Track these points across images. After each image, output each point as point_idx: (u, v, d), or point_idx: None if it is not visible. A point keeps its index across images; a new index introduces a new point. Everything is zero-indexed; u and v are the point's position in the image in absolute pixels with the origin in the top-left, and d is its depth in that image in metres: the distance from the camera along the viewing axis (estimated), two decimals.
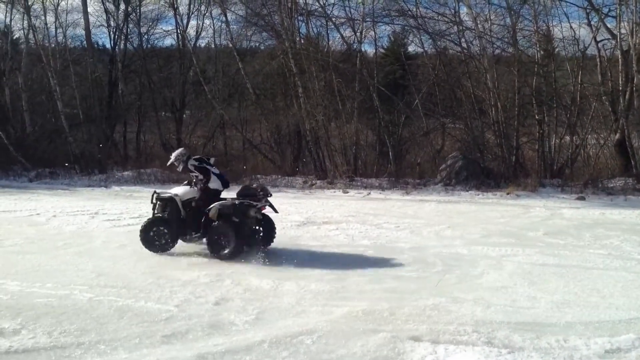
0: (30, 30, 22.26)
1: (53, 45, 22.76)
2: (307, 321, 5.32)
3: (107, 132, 22.44)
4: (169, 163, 8.45)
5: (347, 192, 15.78)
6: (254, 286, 6.48)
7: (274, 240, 8.46)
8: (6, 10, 23.00)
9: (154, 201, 8.28)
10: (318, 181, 17.72)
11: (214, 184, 8.15)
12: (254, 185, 8.67)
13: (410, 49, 25.34)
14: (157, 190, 8.49)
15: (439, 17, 19.14)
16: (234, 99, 23.70)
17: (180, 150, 8.48)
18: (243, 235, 7.79)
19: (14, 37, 24.48)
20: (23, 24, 22.86)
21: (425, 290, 6.32)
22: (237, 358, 4.53)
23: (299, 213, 11.86)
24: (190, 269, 7.22)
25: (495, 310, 5.61)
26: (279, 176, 18.58)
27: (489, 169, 17.00)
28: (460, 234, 9.64)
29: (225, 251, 7.68)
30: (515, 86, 17.50)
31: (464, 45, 18.95)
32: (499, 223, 10.81)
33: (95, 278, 6.74)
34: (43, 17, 22.25)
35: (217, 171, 8.33)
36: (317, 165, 19.15)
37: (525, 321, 5.31)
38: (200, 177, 8.14)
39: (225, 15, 21.70)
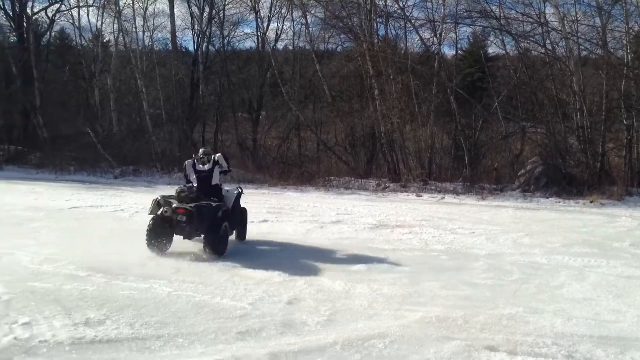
0: (120, 34, 23.41)
1: (140, 47, 23.83)
2: (379, 324, 5.29)
3: (187, 132, 23.17)
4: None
5: (421, 196, 15.57)
6: (326, 287, 6.50)
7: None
8: (97, 15, 24.33)
9: None
10: (391, 184, 17.59)
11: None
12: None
13: (490, 50, 24.75)
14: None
15: (523, 17, 18.55)
16: (309, 100, 23.94)
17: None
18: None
19: (104, 41, 25.74)
20: (113, 28, 24.05)
21: (501, 298, 6.14)
22: (310, 358, 4.55)
23: (372, 215, 11.82)
24: (264, 268, 7.30)
25: (576, 323, 5.37)
26: (352, 178, 18.59)
27: (571, 175, 16.30)
28: (539, 242, 9.29)
29: None
30: (603, 90, 16.72)
31: (549, 46, 18.31)
32: (581, 232, 10.35)
33: (174, 273, 6.94)
34: (132, 21, 23.41)
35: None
36: (390, 168, 19.02)
37: (609, 335, 5.06)
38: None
39: (305, 18, 21.99)
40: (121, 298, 5.88)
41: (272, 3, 23.28)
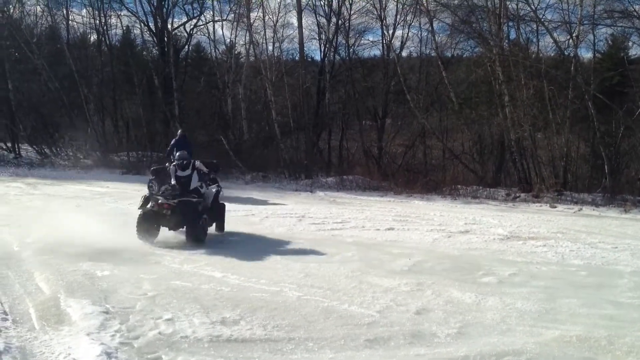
0: (251, 46, 24.52)
1: (269, 58, 24.75)
2: (513, 340, 5.06)
3: (314, 139, 23.69)
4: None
5: (555, 207, 14.74)
6: (455, 299, 6.33)
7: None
8: (230, 28, 25.70)
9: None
10: (522, 194, 16.83)
11: None
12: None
13: (632, 52, 22.99)
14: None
15: None
16: (435, 107, 23.57)
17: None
18: None
19: (237, 52, 27.05)
20: (245, 40, 25.22)
21: None
22: None
23: (502, 226, 11.36)
24: (390, 277, 7.28)
25: None
26: (480, 187, 17.98)
27: None
28: None
29: None
30: None
31: None
32: None
33: (303, 278, 7.11)
34: (263, 33, 24.42)
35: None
36: (521, 177, 18.21)
37: None
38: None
39: (432, 24, 21.71)
40: (254, 300, 6.11)
41: (397, 11, 23.27)
